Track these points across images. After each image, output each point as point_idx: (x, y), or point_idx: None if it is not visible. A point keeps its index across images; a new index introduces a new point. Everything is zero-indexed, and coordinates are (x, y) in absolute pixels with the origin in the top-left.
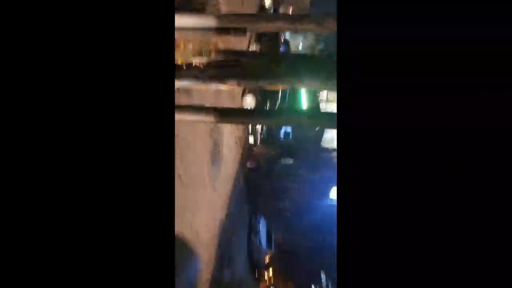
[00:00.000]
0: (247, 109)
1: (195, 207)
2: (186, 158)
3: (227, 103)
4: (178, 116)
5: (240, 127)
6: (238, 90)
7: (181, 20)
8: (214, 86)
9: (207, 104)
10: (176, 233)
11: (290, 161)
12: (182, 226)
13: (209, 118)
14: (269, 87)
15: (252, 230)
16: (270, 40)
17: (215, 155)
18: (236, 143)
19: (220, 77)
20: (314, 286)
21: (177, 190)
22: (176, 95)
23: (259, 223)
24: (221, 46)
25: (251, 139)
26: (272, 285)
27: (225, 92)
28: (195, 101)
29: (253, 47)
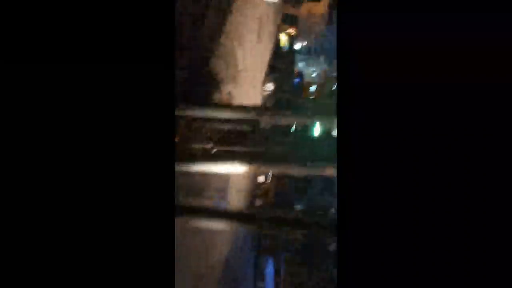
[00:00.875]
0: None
1: (201, 250)
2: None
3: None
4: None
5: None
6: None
7: (195, 112)
8: (226, 169)
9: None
10: (182, 277)
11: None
12: (188, 269)
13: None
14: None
15: (258, 272)
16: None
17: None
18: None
19: (232, 159)
20: None
21: (182, 237)
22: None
23: (266, 263)
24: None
25: (261, 178)
26: None
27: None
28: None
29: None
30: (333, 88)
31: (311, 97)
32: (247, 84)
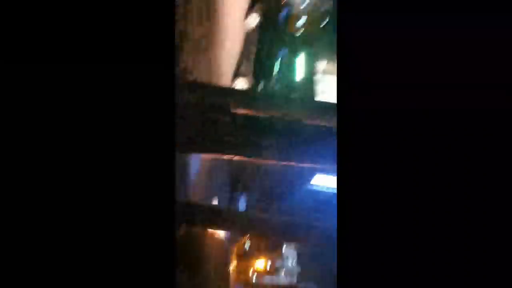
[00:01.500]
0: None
1: None
2: None
3: None
4: None
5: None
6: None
7: None
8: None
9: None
10: None
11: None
12: None
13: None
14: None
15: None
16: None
17: None
18: None
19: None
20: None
21: None
22: None
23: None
24: None
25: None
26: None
27: None
28: None
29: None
30: (324, 24)
31: (297, 32)
32: (226, 22)
